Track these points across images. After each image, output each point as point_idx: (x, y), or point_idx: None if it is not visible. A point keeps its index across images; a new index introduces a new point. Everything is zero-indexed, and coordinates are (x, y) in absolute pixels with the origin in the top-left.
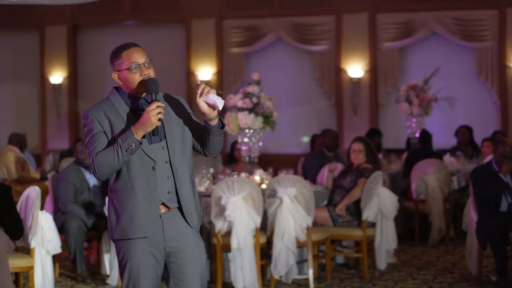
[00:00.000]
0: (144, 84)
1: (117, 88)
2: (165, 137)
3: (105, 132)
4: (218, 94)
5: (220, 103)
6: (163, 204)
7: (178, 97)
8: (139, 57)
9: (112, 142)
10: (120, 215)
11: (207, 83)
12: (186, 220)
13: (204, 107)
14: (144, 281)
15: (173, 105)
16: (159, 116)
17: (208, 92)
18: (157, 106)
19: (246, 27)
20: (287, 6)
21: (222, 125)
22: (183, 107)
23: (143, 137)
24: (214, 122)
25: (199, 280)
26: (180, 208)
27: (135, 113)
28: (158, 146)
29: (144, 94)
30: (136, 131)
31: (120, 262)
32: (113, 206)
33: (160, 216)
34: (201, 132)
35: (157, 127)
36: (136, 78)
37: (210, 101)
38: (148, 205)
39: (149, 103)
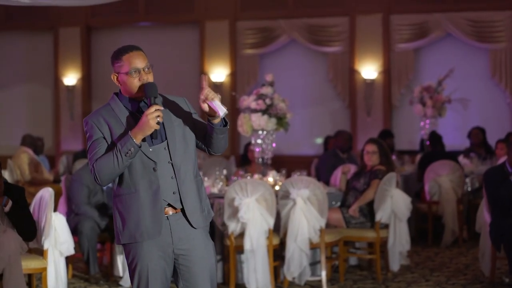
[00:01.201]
0: (143, 89)
1: (117, 94)
2: (166, 137)
3: (105, 138)
4: (224, 102)
5: (222, 111)
6: (170, 205)
7: (180, 98)
8: (139, 62)
9: (111, 147)
10: (126, 220)
11: (220, 84)
12: (188, 220)
13: (206, 108)
14: (154, 284)
15: (173, 106)
16: (158, 119)
17: (212, 99)
18: (155, 110)
19: (260, 28)
20: (301, 8)
21: (225, 123)
22: (184, 107)
23: (144, 140)
24: (217, 120)
25: (209, 282)
26: (182, 209)
27: (135, 117)
28: (160, 147)
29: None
30: (134, 135)
31: (129, 265)
32: (118, 211)
33: (168, 218)
34: (204, 130)
35: (156, 130)
36: (135, 82)
37: (212, 107)
38: (153, 207)
39: (148, 106)
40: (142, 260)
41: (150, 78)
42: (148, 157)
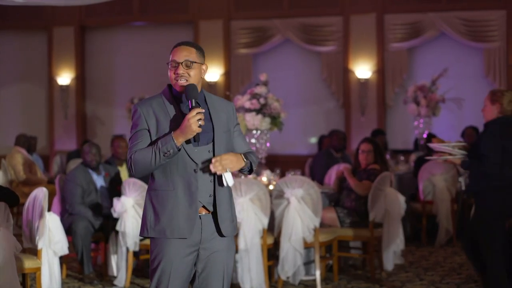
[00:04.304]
0: (182, 87)
1: (171, 86)
2: (213, 140)
3: (149, 130)
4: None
5: (230, 181)
6: (203, 206)
7: (229, 103)
8: (179, 56)
9: (153, 142)
10: (159, 215)
11: (214, 84)
12: (219, 226)
13: None
14: (175, 281)
15: (225, 111)
16: (200, 122)
17: (220, 171)
18: (197, 113)
19: (254, 28)
20: (295, 7)
21: (250, 169)
22: (231, 114)
23: (189, 141)
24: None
25: (223, 286)
26: (214, 213)
27: (183, 114)
28: (204, 148)
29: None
30: (176, 137)
31: (152, 260)
32: (152, 205)
33: (200, 218)
34: (235, 149)
35: (198, 133)
36: (172, 75)
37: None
38: (189, 207)
39: (190, 109)
40: (168, 256)
41: (189, 73)
42: (191, 158)
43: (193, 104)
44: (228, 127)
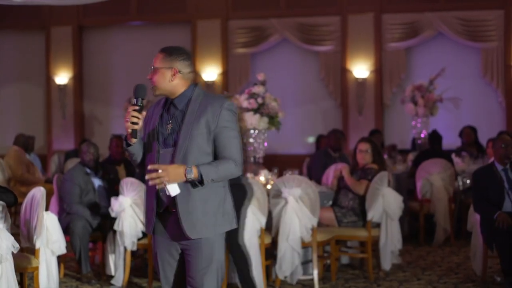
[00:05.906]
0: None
1: None
2: (175, 144)
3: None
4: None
5: (172, 192)
6: (168, 206)
7: (219, 102)
8: (153, 62)
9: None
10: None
11: (212, 83)
12: (183, 227)
13: None
14: (162, 269)
15: (210, 111)
16: (134, 120)
17: (160, 185)
18: (131, 111)
19: (252, 27)
20: (293, 7)
21: (201, 180)
22: (217, 116)
23: (158, 141)
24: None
25: (202, 278)
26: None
27: (162, 113)
28: (167, 151)
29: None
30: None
31: None
32: None
33: (171, 216)
34: (216, 151)
35: (135, 131)
36: None
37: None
38: (149, 204)
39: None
40: (155, 248)
41: (152, 78)
42: (155, 159)
43: (135, 102)
44: (206, 129)
